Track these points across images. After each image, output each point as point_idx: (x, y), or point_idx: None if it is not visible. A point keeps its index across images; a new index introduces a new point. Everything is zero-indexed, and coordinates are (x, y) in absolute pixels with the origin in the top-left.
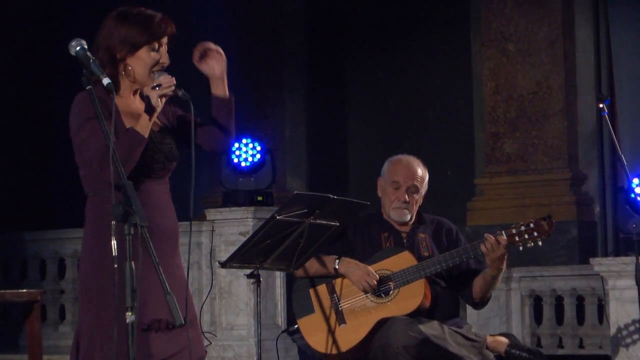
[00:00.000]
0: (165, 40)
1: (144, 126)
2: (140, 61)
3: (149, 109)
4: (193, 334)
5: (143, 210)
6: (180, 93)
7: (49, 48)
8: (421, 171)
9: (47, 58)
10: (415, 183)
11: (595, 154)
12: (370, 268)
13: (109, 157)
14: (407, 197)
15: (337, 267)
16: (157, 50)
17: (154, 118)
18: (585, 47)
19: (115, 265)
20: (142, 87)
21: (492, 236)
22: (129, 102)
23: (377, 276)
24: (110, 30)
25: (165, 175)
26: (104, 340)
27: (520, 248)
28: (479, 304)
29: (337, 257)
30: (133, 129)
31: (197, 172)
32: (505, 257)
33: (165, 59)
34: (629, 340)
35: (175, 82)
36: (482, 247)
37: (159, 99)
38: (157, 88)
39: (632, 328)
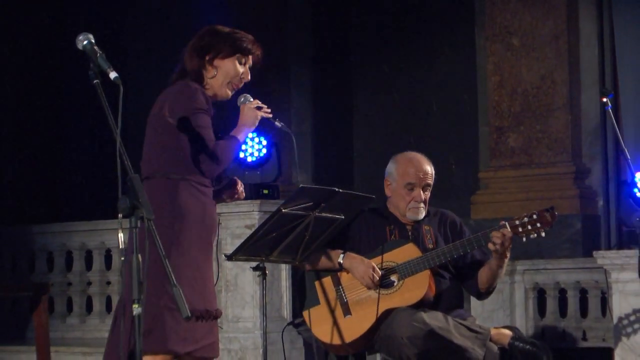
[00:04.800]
0: (251, 59)
1: (244, 139)
2: (227, 67)
3: (247, 124)
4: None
5: (205, 208)
6: (279, 124)
7: (59, 43)
8: (430, 168)
9: (57, 55)
10: (429, 181)
11: (599, 148)
12: (374, 263)
13: (217, 152)
14: (423, 196)
15: (341, 261)
16: (243, 65)
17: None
18: (589, 41)
19: (122, 258)
20: (214, 96)
21: (498, 232)
22: None
23: (380, 272)
24: (204, 37)
25: (219, 185)
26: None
27: (524, 239)
28: (483, 295)
29: (342, 251)
30: (238, 139)
31: None
32: (510, 247)
33: (246, 75)
34: (630, 329)
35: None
36: (490, 246)
37: (256, 119)
38: (258, 109)
39: (633, 318)
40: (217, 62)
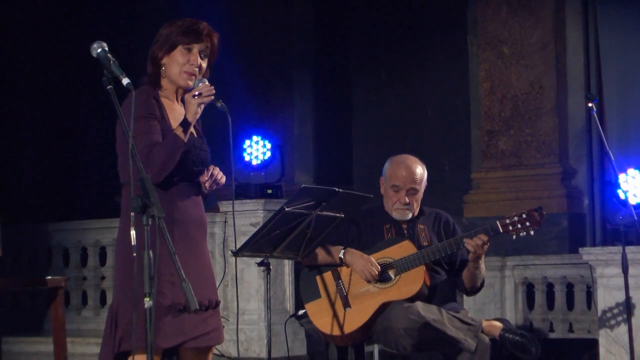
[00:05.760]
0: (200, 45)
1: (185, 131)
2: (174, 59)
3: (188, 115)
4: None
5: (173, 204)
6: (218, 104)
7: (74, 48)
8: (420, 172)
9: (73, 59)
10: (414, 186)
11: (585, 150)
12: (373, 258)
13: (153, 157)
14: (407, 199)
15: (342, 257)
16: (190, 51)
17: (193, 124)
18: (576, 49)
19: (135, 254)
20: (179, 87)
21: (478, 238)
22: (175, 106)
23: (379, 267)
24: (158, 35)
25: (196, 178)
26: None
27: (514, 237)
28: (469, 292)
29: (342, 247)
30: (174, 134)
31: None
32: (484, 252)
33: (195, 60)
34: (613, 322)
35: (214, 91)
36: (469, 247)
37: (198, 106)
38: (197, 96)
39: (616, 310)
40: (165, 59)
